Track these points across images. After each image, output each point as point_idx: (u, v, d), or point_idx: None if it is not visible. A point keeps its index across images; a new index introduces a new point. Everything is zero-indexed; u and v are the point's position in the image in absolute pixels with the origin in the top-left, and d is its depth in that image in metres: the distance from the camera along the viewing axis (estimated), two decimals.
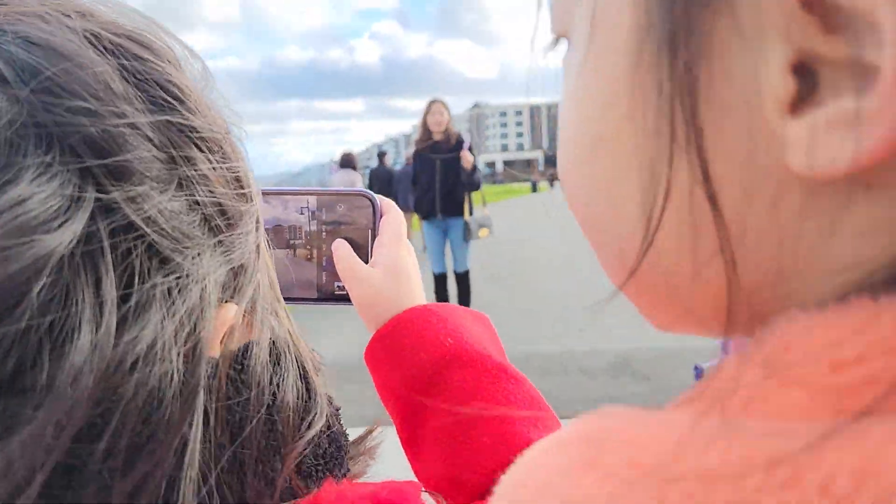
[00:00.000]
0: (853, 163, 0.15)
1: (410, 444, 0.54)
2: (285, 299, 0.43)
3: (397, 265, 0.56)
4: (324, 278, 0.60)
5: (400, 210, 0.60)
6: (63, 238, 0.26)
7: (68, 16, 0.30)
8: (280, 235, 0.59)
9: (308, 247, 0.60)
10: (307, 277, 0.60)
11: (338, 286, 0.59)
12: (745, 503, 0.13)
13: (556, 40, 0.24)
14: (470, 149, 4.34)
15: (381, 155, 8.86)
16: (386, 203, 0.60)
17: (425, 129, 4.44)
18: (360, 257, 0.57)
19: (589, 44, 0.21)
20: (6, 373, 0.25)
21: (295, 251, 0.60)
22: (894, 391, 0.14)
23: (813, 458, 0.13)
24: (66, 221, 0.27)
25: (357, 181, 6.18)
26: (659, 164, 0.19)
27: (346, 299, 0.58)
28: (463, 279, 4.64)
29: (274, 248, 0.54)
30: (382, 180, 7.73)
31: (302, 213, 0.59)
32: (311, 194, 0.60)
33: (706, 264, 0.19)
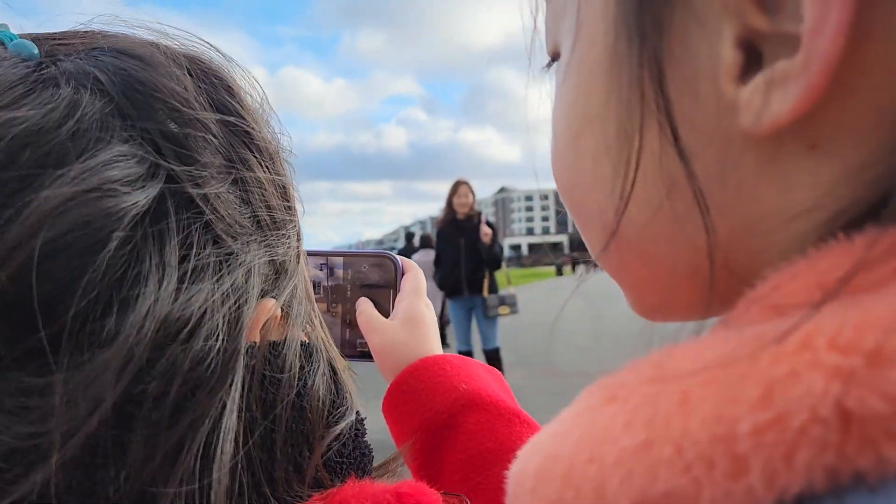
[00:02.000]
0: (788, 114, 0.18)
1: None
2: None
3: (414, 317, 0.58)
4: (347, 335, 0.62)
5: (421, 269, 0.63)
6: (139, 199, 0.31)
7: (152, 40, 0.37)
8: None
9: (334, 305, 0.62)
10: (332, 335, 0.61)
11: (360, 343, 0.61)
12: (760, 374, 0.16)
13: (551, 61, 0.28)
14: (488, 224, 4.37)
15: (410, 237, 8.94)
16: (407, 263, 0.63)
17: (450, 210, 4.49)
18: (383, 314, 0.60)
19: (573, 46, 0.24)
20: (81, 315, 0.28)
21: (325, 309, 0.61)
22: (865, 272, 0.17)
23: (818, 325, 0.16)
24: (143, 186, 0.31)
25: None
26: (633, 133, 0.22)
27: (369, 356, 0.59)
28: (493, 357, 4.53)
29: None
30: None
31: (329, 274, 0.62)
32: (339, 255, 0.63)
33: (681, 224, 0.22)
